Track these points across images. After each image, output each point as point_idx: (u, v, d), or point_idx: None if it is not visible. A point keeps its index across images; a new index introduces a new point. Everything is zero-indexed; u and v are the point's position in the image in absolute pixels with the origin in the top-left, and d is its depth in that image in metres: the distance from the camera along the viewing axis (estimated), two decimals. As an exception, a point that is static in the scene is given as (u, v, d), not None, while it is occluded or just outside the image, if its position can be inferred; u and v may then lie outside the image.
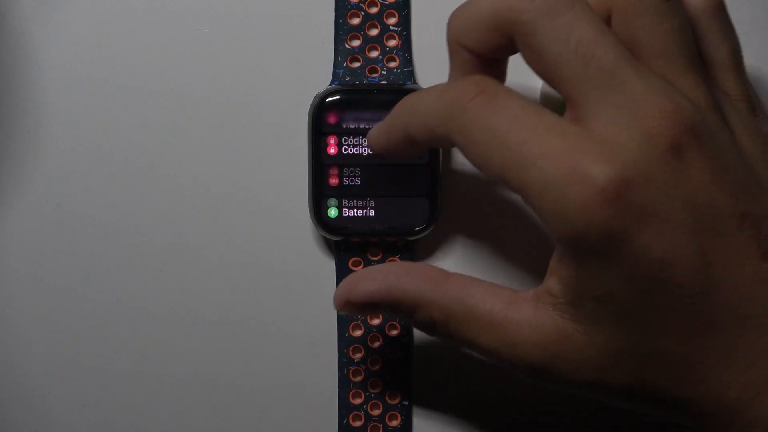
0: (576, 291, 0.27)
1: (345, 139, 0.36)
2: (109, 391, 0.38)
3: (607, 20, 0.29)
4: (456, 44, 0.31)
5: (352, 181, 0.36)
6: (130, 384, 0.38)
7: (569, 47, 0.27)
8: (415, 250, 0.38)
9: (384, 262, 0.37)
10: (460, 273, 0.31)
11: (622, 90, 0.27)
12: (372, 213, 0.36)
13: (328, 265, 0.38)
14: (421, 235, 0.36)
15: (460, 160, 0.38)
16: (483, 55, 0.30)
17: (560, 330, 0.28)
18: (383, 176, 0.36)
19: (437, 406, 0.38)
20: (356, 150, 0.36)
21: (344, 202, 0.36)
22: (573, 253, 0.27)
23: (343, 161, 0.36)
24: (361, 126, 0.36)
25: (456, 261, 0.38)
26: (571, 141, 0.26)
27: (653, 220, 0.26)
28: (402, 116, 0.31)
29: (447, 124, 0.28)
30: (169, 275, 0.38)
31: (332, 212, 0.36)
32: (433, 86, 0.30)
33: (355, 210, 0.36)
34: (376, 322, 0.37)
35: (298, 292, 0.38)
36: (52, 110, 0.38)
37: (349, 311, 0.32)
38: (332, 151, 0.36)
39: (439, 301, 0.30)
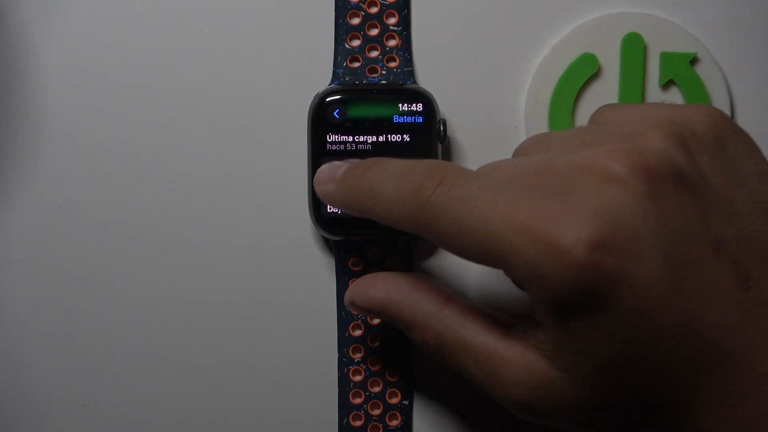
0: (558, 343, 0.27)
1: (345, 139, 0.36)
2: (109, 391, 0.38)
3: None
4: None
5: (352, 180, 0.36)
6: (130, 384, 0.38)
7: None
8: (414, 251, 0.38)
9: (384, 262, 0.37)
10: (462, 300, 0.31)
11: (580, 154, 0.27)
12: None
13: (328, 265, 0.38)
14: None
15: (460, 159, 0.38)
16: None
17: (545, 375, 0.28)
18: (383, 176, 0.36)
19: (437, 406, 0.38)
20: (356, 150, 0.36)
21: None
22: (554, 312, 0.27)
23: (342, 160, 0.36)
24: (361, 126, 0.36)
25: (456, 261, 0.38)
26: (535, 205, 0.26)
27: (626, 270, 0.26)
28: (359, 196, 0.31)
29: (410, 220, 0.29)
30: (169, 275, 0.38)
31: (332, 212, 0.36)
32: (390, 165, 0.30)
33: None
34: (376, 322, 0.37)
35: (298, 292, 0.38)
36: (52, 110, 0.38)
37: (354, 311, 0.33)
38: (332, 150, 0.36)
39: (434, 327, 0.30)
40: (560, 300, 0.26)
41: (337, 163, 0.33)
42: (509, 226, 0.26)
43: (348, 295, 0.33)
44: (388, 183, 0.29)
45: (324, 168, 0.33)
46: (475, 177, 0.28)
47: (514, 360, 0.28)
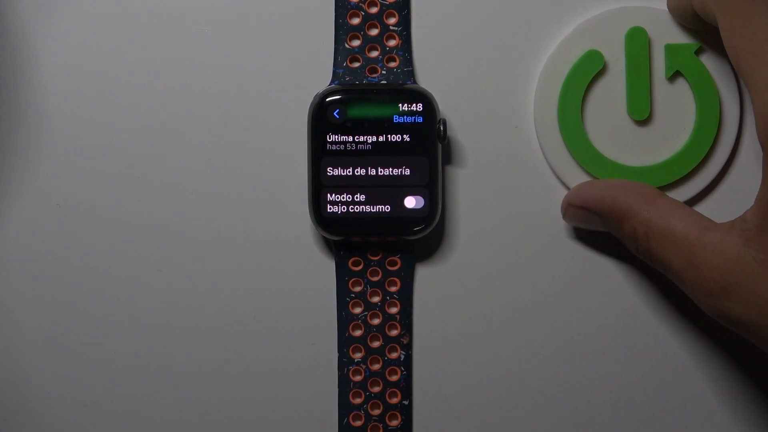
0: (764, 222, 0.28)
1: (345, 139, 0.36)
2: (109, 391, 0.38)
3: None
4: None
5: (352, 180, 0.36)
6: (130, 384, 0.38)
7: None
8: (414, 251, 0.37)
9: (384, 262, 0.37)
10: (668, 196, 0.33)
11: None
12: (372, 212, 0.36)
13: (328, 265, 0.38)
14: (420, 235, 0.36)
15: (460, 159, 0.38)
16: None
17: (741, 257, 0.29)
18: (383, 176, 0.36)
19: (437, 406, 0.38)
20: (356, 150, 0.36)
21: (344, 201, 0.36)
22: None
23: (343, 161, 0.36)
24: (361, 126, 0.36)
25: (456, 261, 0.38)
26: None
27: None
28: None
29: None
30: (169, 275, 0.38)
31: (332, 212, 0.36)
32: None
33: (355, 209, 0.36)
34: (376, 322, 0.37)
35: (298, 292, 0.38)
36: (52, 110, 0.38)
37: (570, 217, 0.36)
38: (332, 150, 0.36)
39: (644, 215, 0.32)
40: None
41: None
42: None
43: (565, 199, 0.36)
44: None
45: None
46: None
47: (712, 244, 0.30)
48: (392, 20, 0.37)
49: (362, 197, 0.36)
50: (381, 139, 0.36)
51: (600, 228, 0.35)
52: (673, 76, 0.37)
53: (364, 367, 0.37)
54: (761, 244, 0.28)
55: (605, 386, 0.38)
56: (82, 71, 0.37)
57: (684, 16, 0.35)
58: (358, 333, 0.37)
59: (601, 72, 0.37)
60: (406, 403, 0.38)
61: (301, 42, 0.37)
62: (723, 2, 0.31)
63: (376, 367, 0.37)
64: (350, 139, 0.36)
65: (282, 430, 0.38)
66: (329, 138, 0.36)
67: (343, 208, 0.36)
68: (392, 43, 0.37)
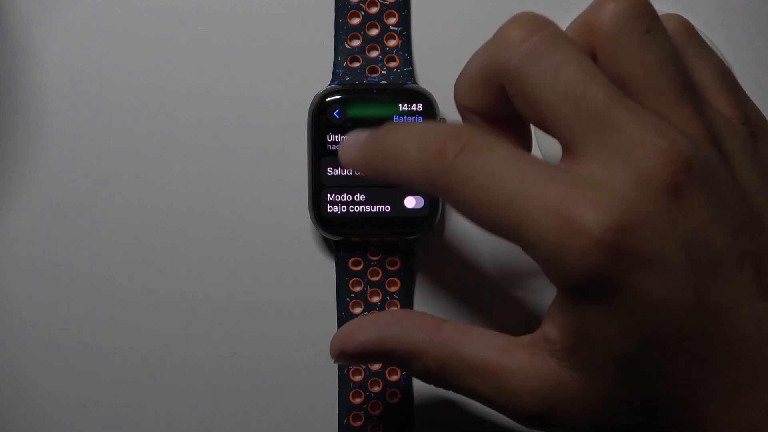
0: (574, 338, 0.27)
1: (345, 139, 0.36)
2: (109, 391, 0.38)
3: (593, 59, 0.28)
4: (463, 108, 0.30)
5: (352, 180, 0.36)
6: (130, 384, 0.38)
7: (558, 90, 0.27)
8: (414, 250, 0.38)
9: (384, 262, 0.37)
10: (453, 321, 0.30)
11: (615, 131, 0.26)
12: (372, 212, 0.36)
13: (328, 265, 0.38)
14: (421, 235, 0.36)
15: (460, 160, 0.38)
16: (489, 114, 0.29)
17: (557, 377, 0.27)
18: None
19: (437, 405, 0.38)
20: (356, 150, 0.36)
21: (344, 201, 0.36)
22: (572, 301, 0.27)
23: (343, 161, 0.36)
24: (361, 126, 0.36)
25: (456, 261, 0.38)
26: (561, 189, 0.26)
27: (650, 265, 0.25)
28: (379, 158, 0.30)
29: (431, 183, 0.28)
30: (169, 275, 0.38)
31: (332, 212, 0.36)
32: (413, 127, 0.29)
33: (355, 209, 0.36)
34: (376, 367, 0.37)
35: (298, 292, 0.38)
36: (52, 110, 0.38)
37: (345, 362, 0.32)
38: (332, 150, 0.36)
39: (433, 352, 0.30)
40: (580, 284, 0.26)
41: (361, 130, 0.31)
42: (535, 206, 0.26)
43: (334, 346, 0.32)
44: (411, 144, 0.28)
45: (349, 136, 0.31)
46: (501, 147, 0.27)
47: (521, 368, 0.28)
48: (392, 20, 0.37)
49: (362, 197, 0.36)
50: (381, 139, 0.36)
51: (380, 362, 0.32)
52: (673, 77, 0.37)
53: (364, 367, 0.37)
54: (574, 364, 0.27)
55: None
56: (82, 71, 0.38)
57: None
58: (358, 333, 0.37)
59: (601, 72, 0.37)
60: (406, 403, 0.38)
61: (301, 42, 0.37)
62: (440, 183, 0.27)
63: (376, 367, 0.37)
64: (350, 139, 0.36)
65: (282, 430, 0.38)
66: (329, 138, 0.36)
67: (343, 208, 0.36)
68: (392, 43, 0.37)
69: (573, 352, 0.27)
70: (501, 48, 0.28)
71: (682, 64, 0.28)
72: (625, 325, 0.26)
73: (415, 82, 0.37)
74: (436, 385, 0.30)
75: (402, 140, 0.29)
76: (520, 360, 0.28)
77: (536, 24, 0.28)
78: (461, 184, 0.27)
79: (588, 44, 0.29)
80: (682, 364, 0.26)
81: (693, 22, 0.38)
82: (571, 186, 0.26)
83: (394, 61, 0.37)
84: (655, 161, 0.26)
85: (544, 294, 0.38)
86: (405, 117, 0.36)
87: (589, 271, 0.25)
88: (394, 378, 0.38)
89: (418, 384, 0.38)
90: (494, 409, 0.29)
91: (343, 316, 0.37)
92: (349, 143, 0.31)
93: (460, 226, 0.38)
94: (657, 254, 0.26)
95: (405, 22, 0.37)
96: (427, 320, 0.30)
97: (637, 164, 0.26)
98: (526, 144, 0.31)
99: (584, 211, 0.25)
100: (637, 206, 0.26)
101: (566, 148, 0.27)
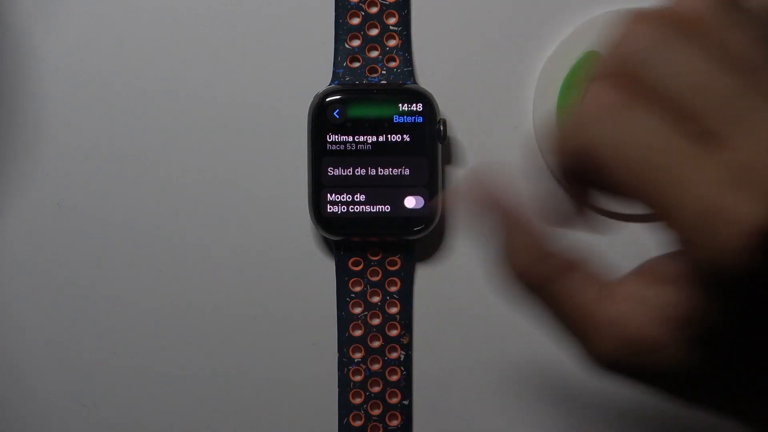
0: (685, 313, 0.26)
1: (345, 139, 0.36)
2: (109, 391, 0.38)
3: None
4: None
5: (352, 180, 0.36)
6: (130, 384, 0.38)
7: (694, 79, 0.26)
8: (414, 251, 0.37)
9: (384, 262, 0.37)
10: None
11: (754, 117, 0.25)
12: (372, 212, 0.36)
13: (328, 265, 0.38)
14: (420, 235, 0.36)
15: (460, 159, 0.38)
16: None
17: (652, 339, 0.27)
18: (383, 176, 0.36)
19: (437, 406, 0.38)
20: (356, 150, 0.36)
21: (344, 201, 0.36)
22: (701, 283, 0.26)
23: (343, 161, 0.36)
24: (361, 126, 0.36)
25: (456, 261, 0.38)
26: (719, 170, 0.25)
27: None
28: (559, 138, 0.29)
29: (588, 136, 0.27)
30: (169, 276, 0.38)
31: (332, 212, 0.36)
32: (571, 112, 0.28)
33: (355, 209, 0.36)
34: (376, 322, 0.37)
35: (298, 292, 0.38)
36: (52, 110, 0.38)
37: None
38: (332, 150, 0.36)
39: (536, 274, 0.29)
40: (722, 273, 0.25)
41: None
42: (690, 179, 0.25)
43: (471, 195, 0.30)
44: (569, 119, 0.28)
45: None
46: (658, 108, 0.26)
47: (617, 319, 0.27)
48: (392, 20, 0.37)
49: (362, 197, 0.36)
50: (381, 139, 0.36)
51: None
52: (673, 77, 0.37)
53: (364, 367, 0.37)
54: (674, 336, 0.26)
55: (605, 386, 0.38)
56: (82, 72, 0.37)
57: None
58: (358, 333, 0.37)
59: (601, 72, 0.37)
60: (406, 403, 0.38)
61: (301, 42, 0.37)
62: (603, 130, 0.26)
63: (376, 367, 0.37)
64: (350, 139, 0.36)
65: (282, 430, 0.38)
66: (329, 138, 0.36)
67: (343, 208, 0.36)
68: (392, 43, 0.37)
69: (676, 325, 0.26)
70: (634, 39, 0.27)
71: None
72: (744, 313, 0.26)
73: (415, 82, 0.37)
74: (527, 299, 0.29)
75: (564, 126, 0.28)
76: (622, 310, 0.27)
77: (666, 17, 0.27)
78: (618, 132, 0.26)
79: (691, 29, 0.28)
80: None
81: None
82: (729, 170, 0.25)
83: (394, 61, 0.37)
84: None
85: (544, 294, 0.38)
86: (405, 117, 0.36)
87: (738, 263, 0.24)
88: (394, 378, 0.38)
89: (418, 384, 0.38)
90: (573, 345, 0.28)
91: (343, 316, 0.37)
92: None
93: (460, 226, 0.38)
94: None
95: (405, 22, 0.37)
96: (541, 243, 0.29)
97: None
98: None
99: (741, 200, 0.25)
100: None
101: (707, 138, 0.26)
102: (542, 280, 0.29)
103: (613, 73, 0.27)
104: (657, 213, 0.26)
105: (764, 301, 0.26)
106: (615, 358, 0.27)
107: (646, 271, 0.28)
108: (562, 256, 0.29)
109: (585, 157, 0.27)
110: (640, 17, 0.27)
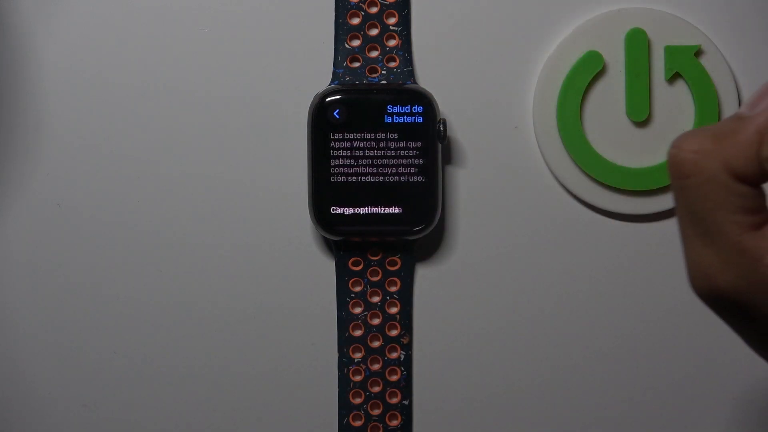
0: None
1: (345, 139, 0.36)
2: (109, 391, 0.38)
3: None
4: None
5: (352, 180, 0.36)
6: (130, 384, 0.38)
7: None
8: (414, 251, 0.37)
9: (384, 262, 0.37)
10: None
11: None
12: (372, 212, 0.36)
13: (328, 265, 0.38)
14: (420, 235, 0.36)
15: (460, 159, 0.38)
16: None
17: None
18: (383, 176, 0.36)
19: (437, 406, 0.38)
20: (356, 150, 0.36)
21: (344, 201, 0.36)
22: None
23: (343, 161, 0.36)
24: (361, 126, 0.36)
25: (456, 261, 0.38)
26: None
27: None
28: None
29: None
30: (169, 275, 0.38)
31: (332, 212, 0.36)
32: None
33: (355, 210, 0.36)
34: (376, 322, 0.37)
35: (298, 292, 0.38)
36: (52, 110, 0.38)
37: None
38: (334, 151, 0.36)
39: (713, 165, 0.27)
40: None
41: None
42: None
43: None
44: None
45: None
46: None
47: (758, 250, 0.26)
48: (392, 20, 0.37)
49: (362, 197, 0.36)
50: (381, 138, 0.36)
51: None
52: (673, 78, 0.37)
53: (364, 367, 0.37)
54: None
55: (605, 386, 0.38)
56: (82, 71, 0.37)
57: None
58: (358, 333, 0.37)
59: (601, 73, 0.37)
60: (406, 403, 0.38)
61: (301, 42, 0.37)
62: None
63: (376, 367, 0.37)
64: (350, 138, 0.36)
65: (282, 430, 0.38)
66: (329, 138, 0.36)
67: (343, 209, 0.36)
68: (392, 43, 0.37)
69: None
70: None
71: None
72: None
73: (415, 82, 0.37)
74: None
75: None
76: (757, 242, 0.26)
77: None
78: None
79: None
80: None
81: (694, 15, 0.37)
82: None
83: (394, 61, 0.37)
84: None
85: (543, 293, 0.38)
86: (405, 117, 0.36)
87: None
88: (394, 378, 0.38)
89: (418, 384, 0.38)
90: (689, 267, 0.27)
91: (343, 316, 0.37)
92: None
93: (460, 226, 0.38)
94: None
95: (405, 22, 0.37)
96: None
97: None
98: None
99: None
100: None
101: None
102: None
103: None
104: None
105: None
106: (735, 286, 0.26)
107: None
108: None
109: None
110: None
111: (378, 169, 0.36)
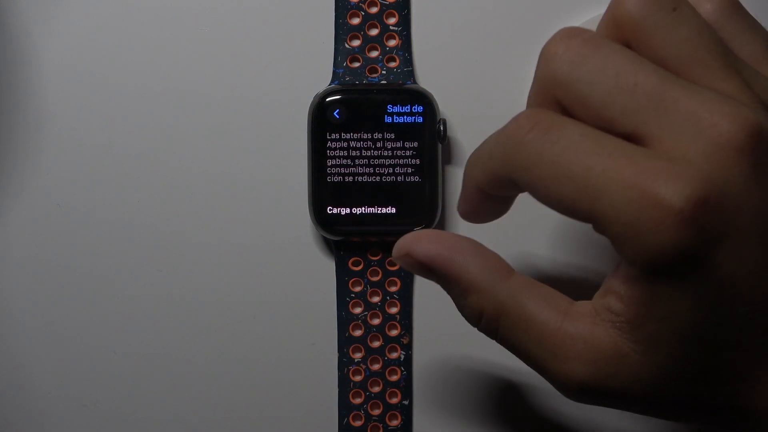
0: (640, 311, 0.26)
1: (345, 139, 0.36)
2: (109, 391, 0.38)
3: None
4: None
5: (352, 180, 0.36)
6: (130, 384, 0.38)
7: (610, 84, 0.26)
8: (415, 250, 0.38)
9: (384, 262, 0.37)
10: (522, 275, 0.30)
11: (675, 108, 0.26)
12: (372, 212, 0.36)
13: (328, 265, 0.38)
14: (421, 235, 0.36)
15: (460, 159, 0.38)
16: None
17: (617, 348, 0.27)
18: (383, 176, 0.36)
19: (437, 406, 0.38)
20: (356, 149, 0.36)
21: (344, 201, 0.36)
22: (643, 276, 0.26)
23: (342, 161, 0.36)
24: (361, 126, 0.36)
25: (456, 261, 0.38)
26: (638, 162, 0.25)
27: (726, 238, 0.25)
28: (469, 172, 0.30)
29: (507, 164, 0.27)
30: (169, 275, 0.38)
31: (329, 212, 0.36)
32: (494, 133, 0.29)
33: (355, 210, 0.36)
34: (376, 322, 0.37)
35: (298, 292, 0.38)
36: (52, 110, 0.38)
37: (405, 265, 0.31)
38: (332, 150, 0.36)
39: (496, 295, 0.29)
40: (657, 259, 0.25)
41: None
42: (612, 178, 0.25)
43: (402, 246, 0.30)
44: (489, 139, 0.29)
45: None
46: (576, 123, 0.27)
47: (580, 336, 0.27)
48: (392, 20, 0.37)
49: (362, 197, 0.36)
50: (380, 138, 0.36)
51: (435, 281, 0.31)
52: (673, 77, 0.37)
53: (364, 367, 0.37)
54: (637, 336, 0.26)
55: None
56: (82, 71, 0.38)
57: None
58: (358, 333, 0.37)
59: (601, 72, 0.37)
60: (406, 403, 0.38)
61: (301, 42, 0.37)
62: (515, 161, 0.28)
63: (376, 367, 0.37)
64: (350, 138, 0.36)
65: (282, 430, 0.38)
66: (329, 138, 0.36)
67: (343, 209, 0.36)
68: (392, 43, 0.37)
69: (638, 325, 0.26)
70: (548, 63, 0.28)
71: (716, 36, 0.28)
72: (698, 299, 0.26)
73: (415, 82, 0.37)
74: (483, 331, 0.30)
75: (482, 143, 0.29)
76: (581, 327, 0.27)
77: (572, 33, 0.28)
78: (536, 158, 0.27)
79: (621, 38, 0.28)
80: (746, 335, 0.26)
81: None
82: (648, 159, 0.25)
83: (394, 61, 0.37)
84: (726, 127, 0.25)
85: (544, 294, 0.38)
86: (405, 117, 0.36)
87: (667, 245, 0.25)
88: (394, 378, 0.38)
89: (418, 384, 0.38)
90: (538, 371, 0.28)
91: (343, 316, 0.37)
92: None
93: (459, 226, 0.38)
94: (735, 226, 0.25)
95: (405, 22, 0.37)
96: (501, 263, 0.30)
97: (707, 134, 0.25)
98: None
99: (663, 183, 0.25)
100: (715, 176, 0.25)
101: (633, 139, 0.27)
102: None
103: (542, 98, 0.28)
104: (593, 223, 0.26)
105: (709, 285, 0.25)
106: (585, 373, 0.27)
107: (603, 286, 0.28)
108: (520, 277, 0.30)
109: (509, 182, 0.28)
110: (555, 39, 0.28)
111: (376, 169, 0.36)
